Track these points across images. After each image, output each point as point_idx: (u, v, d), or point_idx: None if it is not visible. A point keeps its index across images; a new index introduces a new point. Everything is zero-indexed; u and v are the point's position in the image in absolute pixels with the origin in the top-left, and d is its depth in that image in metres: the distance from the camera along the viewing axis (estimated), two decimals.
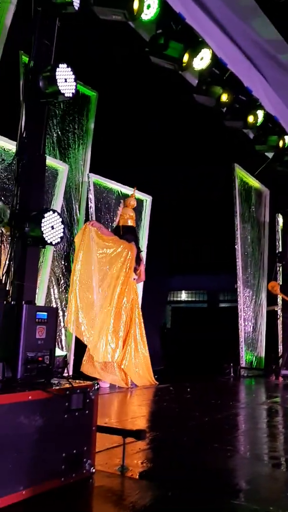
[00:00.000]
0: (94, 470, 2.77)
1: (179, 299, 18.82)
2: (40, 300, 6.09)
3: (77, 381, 2.84)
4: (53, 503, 2.41)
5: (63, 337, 6.64)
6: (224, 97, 6.78)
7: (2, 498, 2.26)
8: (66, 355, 6.54)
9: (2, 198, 5.32)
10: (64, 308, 6.61)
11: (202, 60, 6.13)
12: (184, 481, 2.86)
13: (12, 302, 3.01)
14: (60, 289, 6.72)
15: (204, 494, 2.64)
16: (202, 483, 2.83)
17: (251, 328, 9.37)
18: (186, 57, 5.87)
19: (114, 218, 7.49)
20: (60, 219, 3.20)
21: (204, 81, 6.68)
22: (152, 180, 8.27)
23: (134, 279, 6.94)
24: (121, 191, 7.74)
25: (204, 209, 10.92)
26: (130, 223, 7.15)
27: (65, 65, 3.39)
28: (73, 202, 7.05)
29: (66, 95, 3.41)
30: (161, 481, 2.82)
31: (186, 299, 18.89)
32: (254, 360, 9.31)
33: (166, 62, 5.73)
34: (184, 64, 5.89)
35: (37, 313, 2.83)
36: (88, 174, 7.17)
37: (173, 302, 18.02)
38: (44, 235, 3.09)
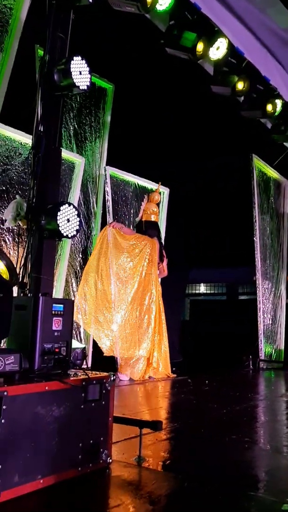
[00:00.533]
0: (111, 460, 2.79)
1: (197, 291, 18.77)
2: (58, 293, 6.15)
3: (93, 372, 2.86)
4: (70, 492, 2.43)
5: (81, 330, 6.70)
6: (241, 86, 6.71)
7: (20, 487, 2.29)
8: (85, 347, 6.59)
9: (19, 192, 5.36)
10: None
11: (218, 50, 6.08)
12: (202, 472, 2.86)
13: (29, 294, 3.04)
14: (79, 282, 6.77)
15: (222, 485, 2.64)
16: (220, 475, 2.83)
17: (270, 320, 9.30)
18: (201, 47, 5.81)
19: (131, 211, 7.49)
20: (76, 212, 3.20)
21: (220, 70, 6.62)
22: (169, 172, 8.25)
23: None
24: (138, 184, 7.73)
25: (222, 201, 10.85)
26: (153, 218, 7.17)
27: (79, 58, 3.37)
28: (91, 195, 7.07)
29: (81, 87, 3.39)
30: (178, 472, 2.82)
31: (205, 291, 18.83)
32: (273, 352, 9.25)
33: (181, 52, 5.69)
34: (199, 54, 5.84)
35: (54, 305, 2.85)
36: (105, 167, 7.18)
37: (192, 294, 17.99)
38: (60, 228, 3.10)
